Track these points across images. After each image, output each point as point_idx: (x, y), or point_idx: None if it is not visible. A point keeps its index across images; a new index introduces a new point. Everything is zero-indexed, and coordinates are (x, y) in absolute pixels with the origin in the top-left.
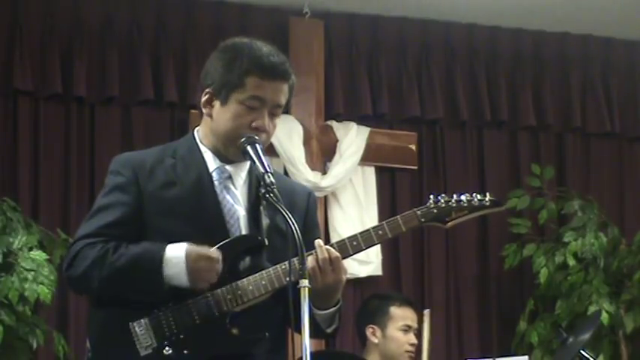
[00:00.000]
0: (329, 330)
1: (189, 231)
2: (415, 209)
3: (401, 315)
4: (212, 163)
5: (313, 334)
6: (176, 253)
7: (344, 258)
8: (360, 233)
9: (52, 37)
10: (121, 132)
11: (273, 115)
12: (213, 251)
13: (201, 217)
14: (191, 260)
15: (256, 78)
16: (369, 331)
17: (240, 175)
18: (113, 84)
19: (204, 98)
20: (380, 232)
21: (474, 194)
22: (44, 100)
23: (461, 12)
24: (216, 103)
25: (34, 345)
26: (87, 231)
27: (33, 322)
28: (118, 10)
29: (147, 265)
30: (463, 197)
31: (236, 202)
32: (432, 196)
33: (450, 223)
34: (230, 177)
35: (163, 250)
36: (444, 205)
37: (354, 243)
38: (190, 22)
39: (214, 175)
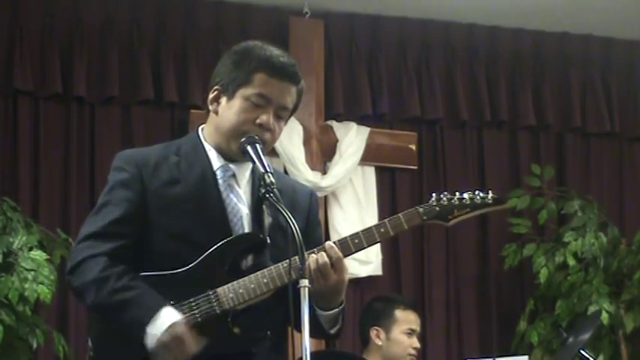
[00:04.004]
0: (332, 331)
1: (192, 229)
2: (417, 207)
3: (406, 318)
4: (216, 161)
5: (317, 335)
6: (164, 319)
7: (346, 256)
8: (362, 231)
9: (52, 37)
10: (121, 132)
11: (279, 118)
12: (192, 343)
13: (205, 216)
14: (167, 337)
15: (264, 75)
16: (373, 333)
17: (244, 173)
18: (113, 84)
19: (211, 95)
20: (382, 229)
21: (477, 192)
22: (44, 100)
23: (461, 12)
24: (223, 100)
25: (34, 345)
26: (92, 229)
27: (33, 322)
28: (118, 10)
29: (134, 317)
30: (465, 195)
31: (239, 200)
32: (434, 194)
33: (452, 221)
34: (234, 175)
35: (155, 311)
36: (446, 203)
37: (356, 241)
38: (190, 22)
39: (218, 174)
